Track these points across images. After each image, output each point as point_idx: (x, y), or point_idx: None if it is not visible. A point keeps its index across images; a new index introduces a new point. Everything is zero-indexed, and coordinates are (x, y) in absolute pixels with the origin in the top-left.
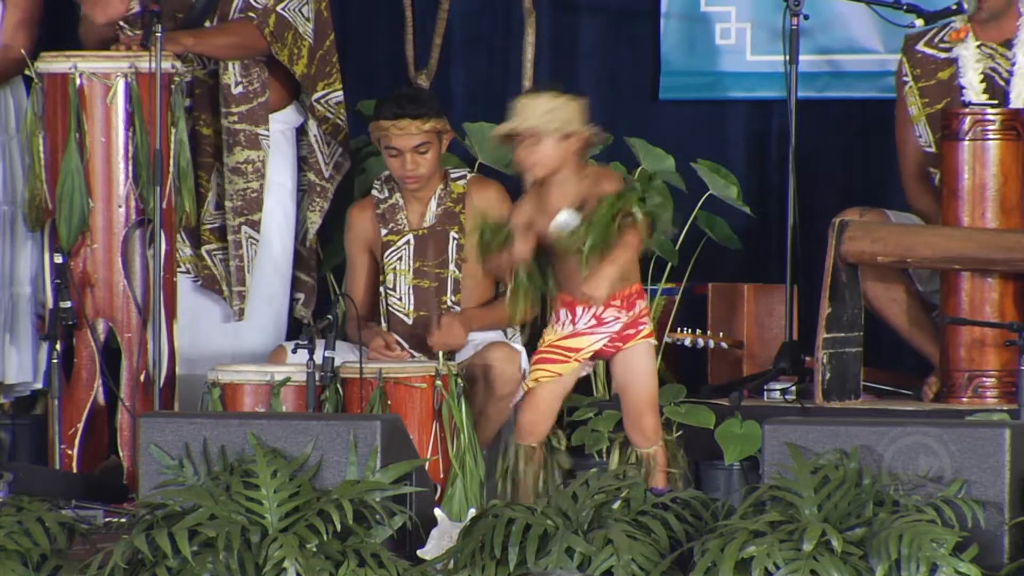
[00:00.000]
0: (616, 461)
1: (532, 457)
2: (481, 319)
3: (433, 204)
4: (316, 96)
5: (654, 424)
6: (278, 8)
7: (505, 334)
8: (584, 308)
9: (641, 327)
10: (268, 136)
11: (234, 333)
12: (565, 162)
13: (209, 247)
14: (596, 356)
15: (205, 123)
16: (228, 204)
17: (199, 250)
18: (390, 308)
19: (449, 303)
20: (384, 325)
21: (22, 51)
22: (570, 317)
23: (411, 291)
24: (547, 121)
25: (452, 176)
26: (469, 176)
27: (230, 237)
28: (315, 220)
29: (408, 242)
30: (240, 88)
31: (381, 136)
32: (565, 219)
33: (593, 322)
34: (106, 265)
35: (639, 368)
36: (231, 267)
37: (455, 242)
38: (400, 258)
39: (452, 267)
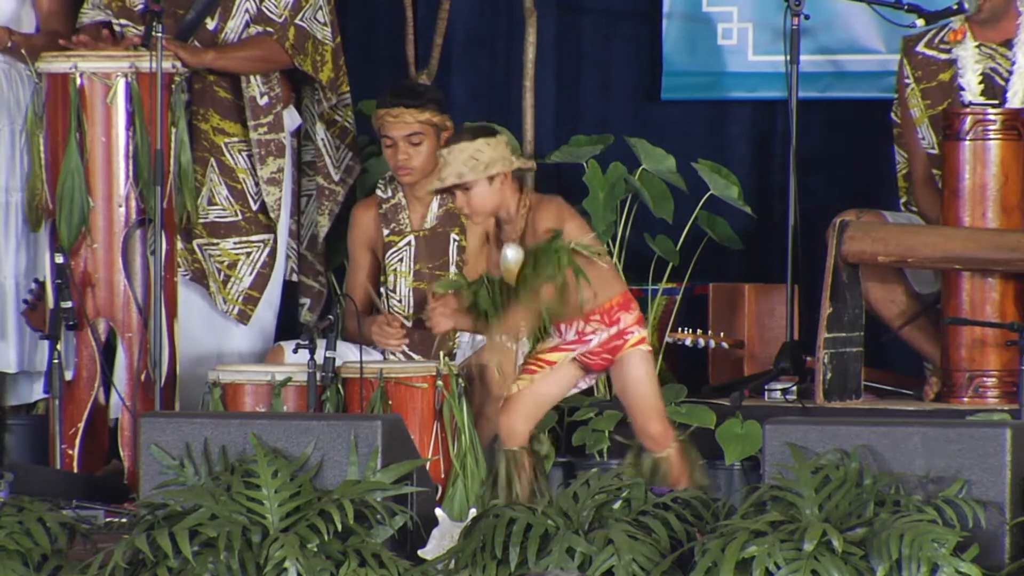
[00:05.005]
0: (631, 470)
1: (515, 460)
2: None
3: (434, 205)
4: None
5: (661, 428)
6: (296, 20)
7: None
8: (567, 325)
9: (628, 337)
10: (287, 139)
11: (223, 332)
12: (503, 200)
13: (200, 241)
14: (589, 370)
15: (203, 118)
16: (273, 215)
17: (190, 244)
18: (390, 310)
19: None
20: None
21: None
22: (556, 331)
23: (411, 293)
24: (471, 168)
25: None
26: None
27: (260, 246)
28: (324, 223)
29: (409, 243)
30: (265, 99)
31: (380, 126)
32: (509, 255)
33: (575, 337)
34: (106, 265)
35: (634, 376)
36: (254, 273)
37: (455, 244)
38: (401, 259)
39: (453, 269)
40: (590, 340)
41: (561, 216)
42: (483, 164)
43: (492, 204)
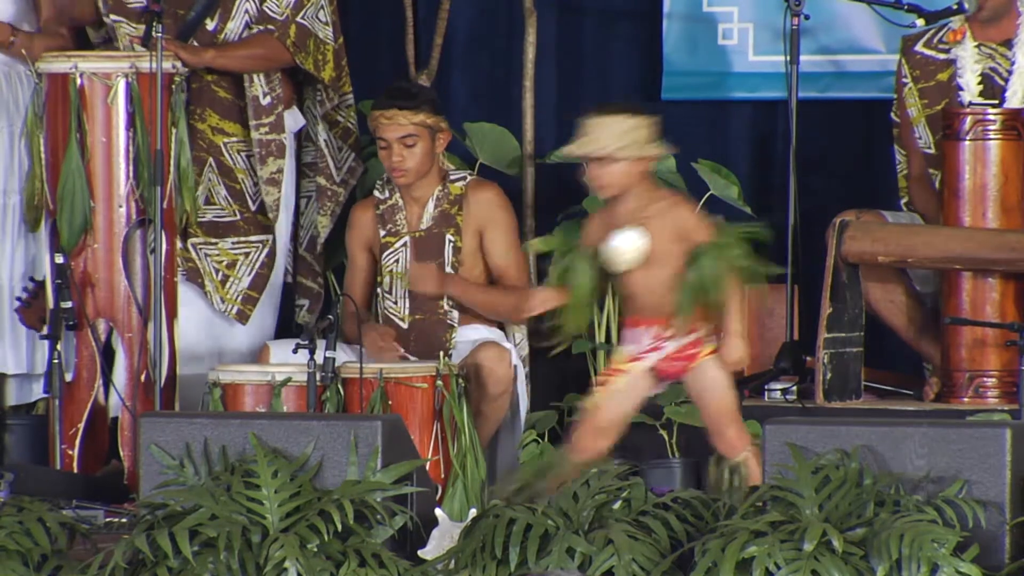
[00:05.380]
0: (713, 477)
1: (567, 469)
2: (467, 291)
3: (431, 206)
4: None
5: (737, 431)
6: (297, 19)
7: (505, 334)
8: (645, 328)
9: (704, 345)
10: (288, 139)
11: (222, 332)
12: (635, 183)
13: (195, 240)
14: (663, 377)
15: (200, 117)
16: (271, 215)
17: (185, 243)
18: (386, 311)
19: (446, 307)
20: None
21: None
22: (631, 339)
23: (407, 295)
24: (621, 146)
25: (451, 178)
26: (469, 178)
27: (259, 246)
28: (326, 224)
29: (405, 244)
30: (268, 99)
31: (374, 128)
32: (621, 239)
33: (651, 344)
34: (107, 265)
35: (711, 380)
36: (253, 273)
37: (451, 245)
38: (397, 261)
39: (448, 270)
40: (664, 347)
41: (701, 218)
42: (634, 143)
43: (624, 184)
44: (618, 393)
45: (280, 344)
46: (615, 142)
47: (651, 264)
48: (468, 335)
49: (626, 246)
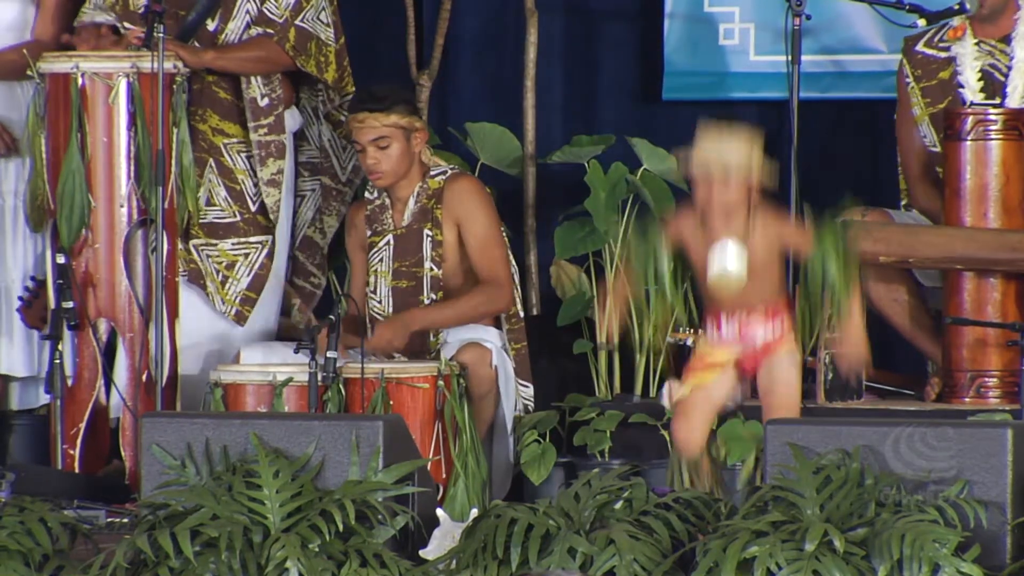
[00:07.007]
0: (749, 469)
1: (696, 468)
2: (430, 317)
3: (411, 203)
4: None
5: None
6: (296, 22)
7: (498, 325)
8: (728, 317)
9: (784, 340)
10: (288, 140)
11: (224, 332)
12: (743, 202)
13: (197, 242)
14: (743, 373)
15: (201, 118)
16: (272, 216)
17: (187, 244)
18: (371, 312)
19: (427, 302)
20: (369, 329)
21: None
22: (715, 326)
23: (390, 293)
24: (744, 167)
25: (432, 173)
26: (449, 172)
27: (258, 247)
28: (332, 224)
29: (388, 243)
30: (266, 100)
31: (349, 132)
32: (725, 258)
33: (736, 332)
34: (108, 265)
35: (779, 376)
36: (251, 274)
37: (429, 239)
38: (381, 260)
39: (428, 265)
40: (755, 338)
41: (799, 230)
42: (756, 166)
43: (736, 204)
44: (712, 386)
45: (252, 349)
46: (737, 162)
47: (748, 277)
48: (458, 334)
49: (731, 266)
